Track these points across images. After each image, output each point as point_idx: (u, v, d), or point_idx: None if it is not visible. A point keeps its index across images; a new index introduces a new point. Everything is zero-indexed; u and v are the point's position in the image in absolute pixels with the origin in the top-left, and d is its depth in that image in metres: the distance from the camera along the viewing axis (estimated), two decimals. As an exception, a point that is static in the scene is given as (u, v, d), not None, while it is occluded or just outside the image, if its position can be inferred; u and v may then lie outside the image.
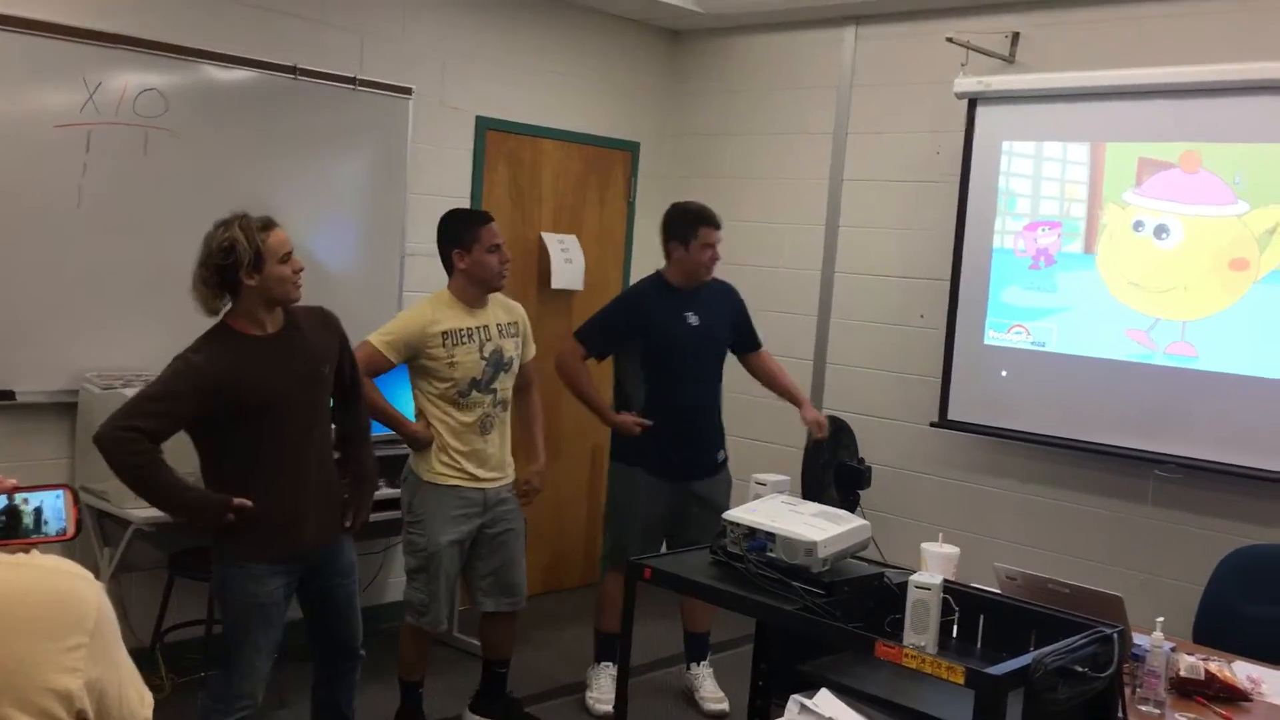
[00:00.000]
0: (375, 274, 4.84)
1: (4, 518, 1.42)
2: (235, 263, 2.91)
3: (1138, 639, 2.78)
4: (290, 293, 3.02)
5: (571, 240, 5.57)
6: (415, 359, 3.74)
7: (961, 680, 2.32)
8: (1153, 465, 4.41)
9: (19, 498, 1.44)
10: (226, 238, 2.92)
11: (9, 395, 3.89)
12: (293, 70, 4.46)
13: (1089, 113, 4.51)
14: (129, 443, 2.86)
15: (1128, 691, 2.62)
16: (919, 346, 5.11)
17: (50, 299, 3.95)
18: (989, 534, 4.84)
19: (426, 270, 4.81)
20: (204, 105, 4.25)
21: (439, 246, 3.83)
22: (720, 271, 4.41)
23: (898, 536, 4.64)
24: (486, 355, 3.78)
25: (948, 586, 2.58)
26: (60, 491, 1.47)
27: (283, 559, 3.07)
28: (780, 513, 2.90)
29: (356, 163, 4.78)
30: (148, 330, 4.09)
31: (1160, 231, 4.35)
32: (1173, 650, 2.78)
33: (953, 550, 3.05)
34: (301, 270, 3.04)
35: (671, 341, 4.21)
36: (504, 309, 3.91)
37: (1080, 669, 2.36)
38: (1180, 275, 4.31)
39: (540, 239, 5.47)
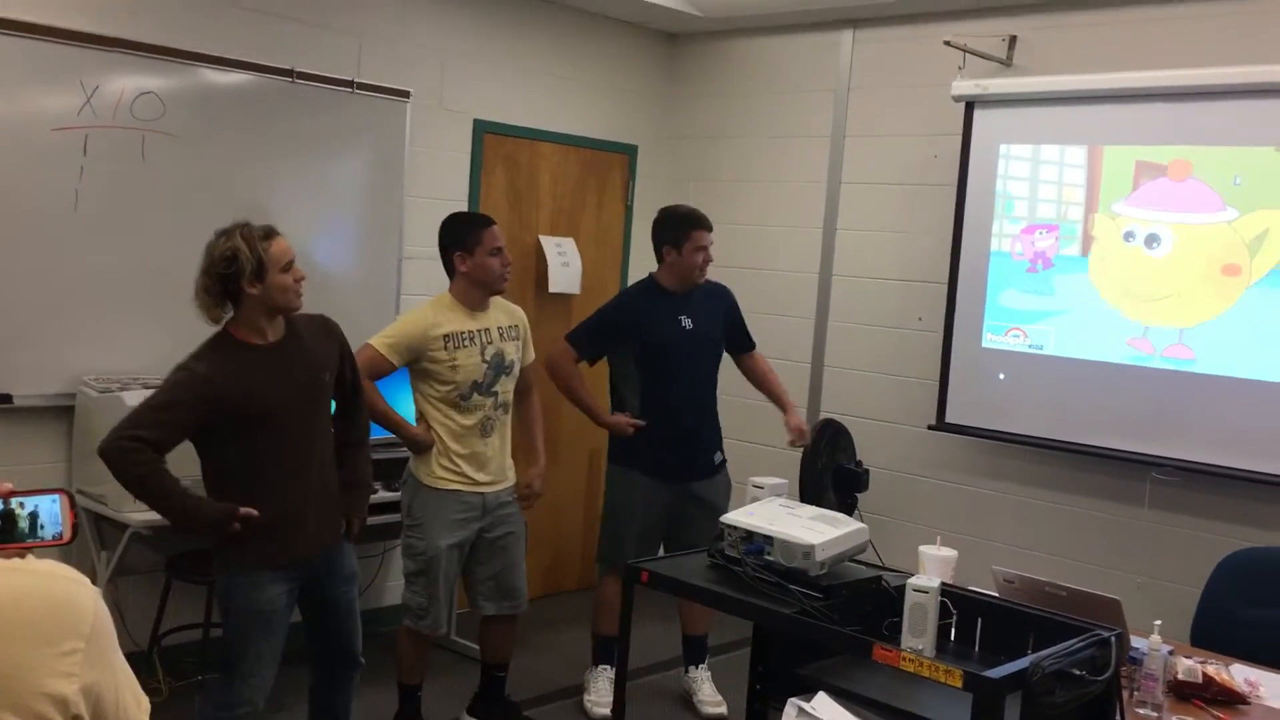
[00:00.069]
0: (373, 277, 4.84)
1: (0, 522, 1.42)
2: (237, 272, 2.92)
3: (1135, 642, 2.78)
4: (292, 301, 3.03)
5: (569, 243, 5.57)
6: (417, 362, 3.74)
7: (959, 683, 2.32)
8: (1150, 468, 4.41)
9: (15, 502, 1.44)
10: (229, 247, 2.93)
11: (6, 399, 3.89)
12: (290, 73, 4.46)
13: (1086, 116, 4.52)
14: (133, 453, 2.86)
15: (1125, 695, 2.62)
16: (917, 349, 5.11)
17: (48, 302, 3.95)
18: (987, 537, 4.84)
19: (424, 273, 4.81)
20: (201, 108, 4.25)
21: (440, 249, 3.84)
22: (718, 274, 4.41)
23: (895, 539, 4.64)
24: (488, 358, 3.78)
25: (945, 589, 2.58)
26: (56, 496, 1.47)
27: (285, 566, 3.08)
28: (778, 516, 2.90)
29: (354, 166, 4.78)
30: (145, 333, 4.09)
31: (1151, 241, 4.35)
32: (1170, 653, 2.78)
33: (950, 553, 3.05)
34: (303, 279, 3.05)
35: (665, 345, 4.22)
36: (505, 312, 3.91)
37: (1078, 672, 2.36)
38: (1173, 283, 4.32)
39: (538, 242, 5.47)
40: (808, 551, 2.71)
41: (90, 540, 3.96)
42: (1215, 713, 2.71)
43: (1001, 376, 4.76)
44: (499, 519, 3.86)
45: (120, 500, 3.71)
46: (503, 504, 3.88)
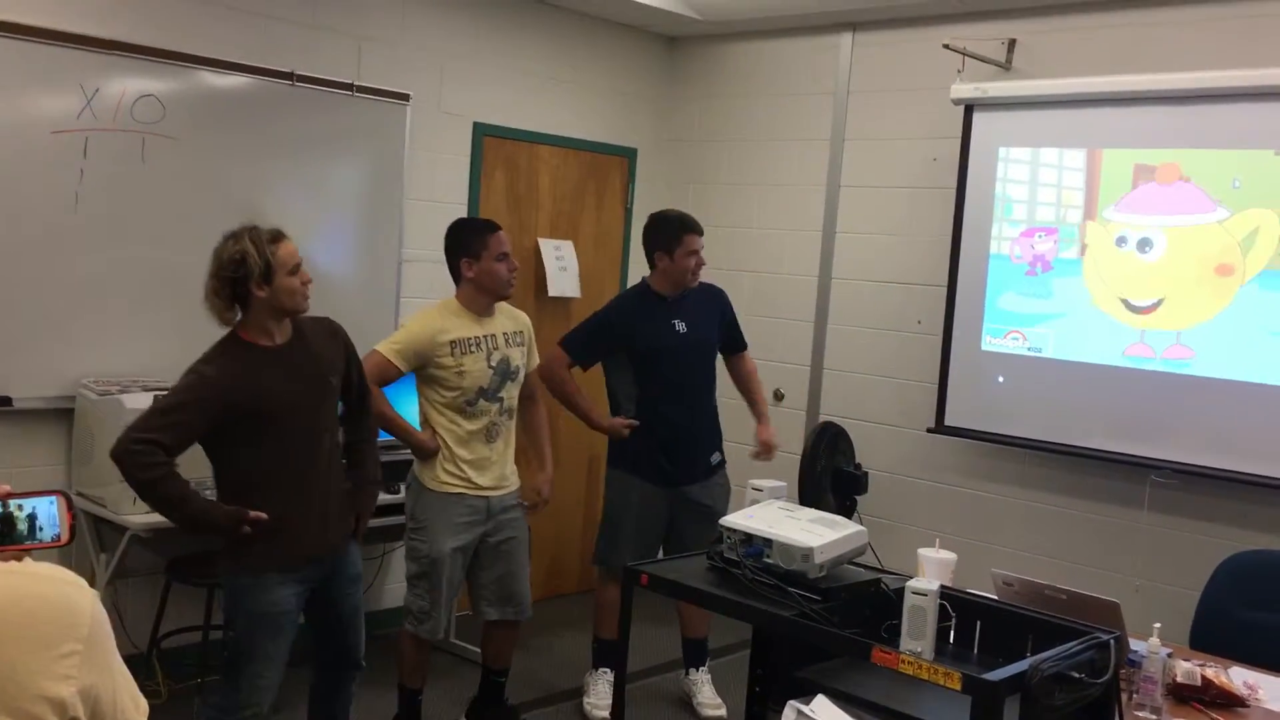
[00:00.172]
0: (372, 280, 4.84)
1: (-1, 524, 1.43)
2: (245, 274, 2.94)
3: (1134, 645, 2.78)
4: (300, 304, 3.05)
5: (567, 246, 5.57)
6: (423, 368, 3.74)
7: (958, 686, 2.31)
8: (1149, 471, 4.41)
9: (13, 504, 1.44)
10: (237, 250, 2.94)
11: (6, 401, 3.89)
12: (290, 76, 4.46)
13: (1085, 119, 4.52)
14: (144, 455, 2.86)
15: (1124, 697, 2.62)
16: (916, 352, 5.11)
17: (47, 305, 3.95)
18: (986, 540, 4.84)
19: (424, 276, 4.82)
20: (201, 111, 4.25)
21: (447, 255, 3.84)
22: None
23: (895, 542, 4.64)
24: (494, 364, 3.78)
25: (944, 592, 2.58)
26: (54, 498, 1.47)
27: (294, 567, 3.08)
28: (777, 518, 2.90)
29: (354, 169, 4.78)
30: (145, 336, 4.09)
31: (1143, 245, 4.36)
32: (1169, 656, 2.78)
33: (949, 556, 3.05)
34: (310, 282, 3.06)
35: (661, 350, 4.22)
36: (510, 318, 3.91)
37: (1077, 675, 2.36)
38: (1167, 285, 4.33)
39: (537, 245, 5.47)
40: (807, 554, 2.70)
41: (89, 542, 3.96)
42: (1214, 715, 2.71)
43: (1001, 379, 4.76)
44: (502, 523, 3.86)
45: (119, 502, 3.71)
46: (506, 509, 3.87)
